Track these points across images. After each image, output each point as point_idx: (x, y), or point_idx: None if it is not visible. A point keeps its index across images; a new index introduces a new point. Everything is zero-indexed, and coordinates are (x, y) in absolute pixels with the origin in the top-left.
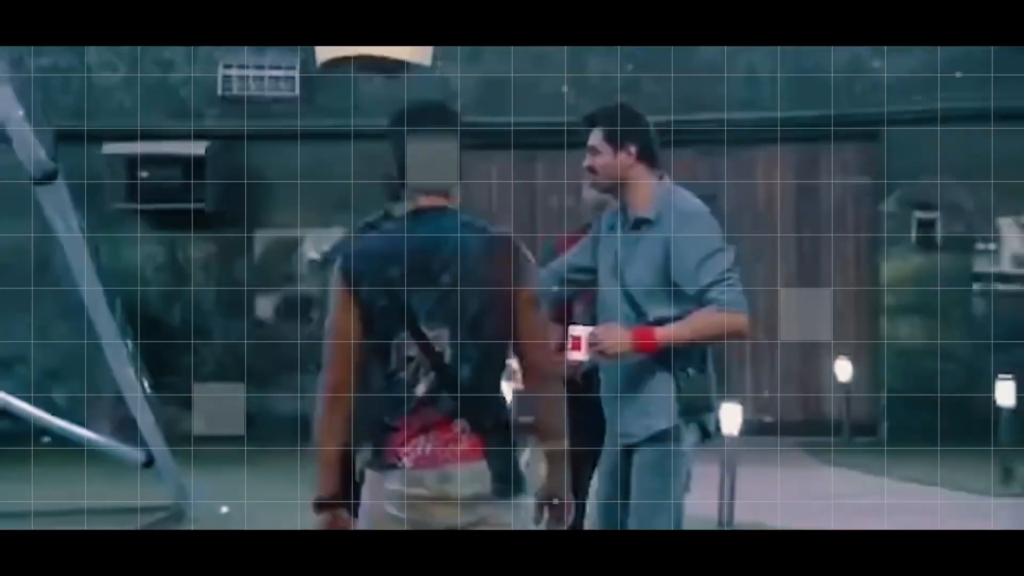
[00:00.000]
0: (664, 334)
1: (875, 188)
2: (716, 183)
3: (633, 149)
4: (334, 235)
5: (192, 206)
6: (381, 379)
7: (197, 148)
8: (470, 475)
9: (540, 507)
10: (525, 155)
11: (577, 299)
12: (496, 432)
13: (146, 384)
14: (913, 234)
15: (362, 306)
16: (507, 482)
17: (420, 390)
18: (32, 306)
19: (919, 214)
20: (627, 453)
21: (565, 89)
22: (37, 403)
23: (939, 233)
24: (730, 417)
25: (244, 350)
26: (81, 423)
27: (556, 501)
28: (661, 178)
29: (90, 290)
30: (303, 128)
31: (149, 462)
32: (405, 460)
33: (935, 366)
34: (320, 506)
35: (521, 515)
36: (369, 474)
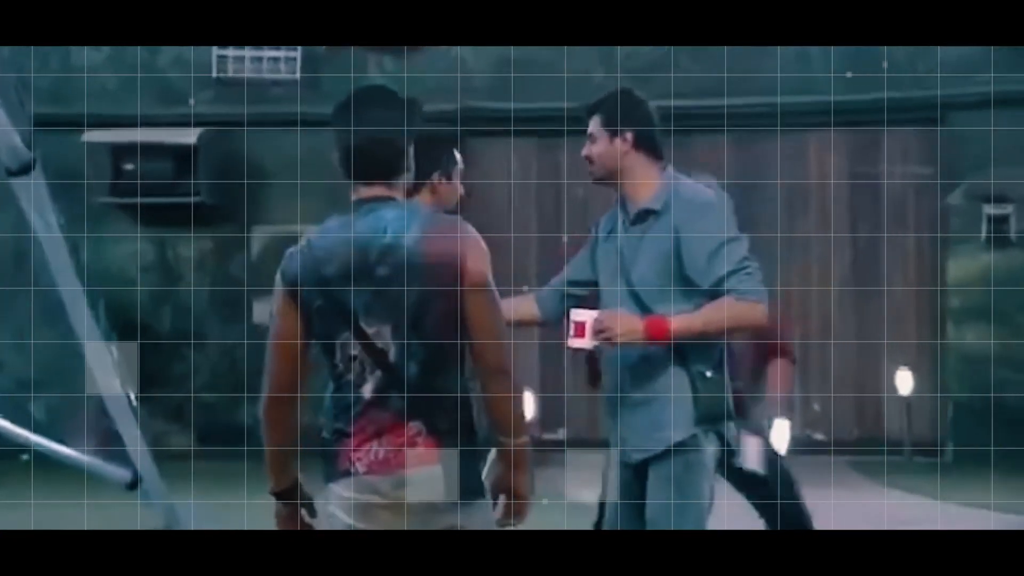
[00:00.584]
0: (680, 323)
1: (939, 179)
2: (744, 182)
3: (629, 136)
4: None
5: (183, 200)
6: (329, 383)
7: (189, 136)
8: (425, 479)
9: (495, 505)
10: (548, 142)
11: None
12: (453, 434)
13: (132, 395)
14: (983, 231)
15: (301, 307)
16: (465, 486)
17: (367, 391)
18: (9, 309)
19: (990, 209)
20: (638, 468)
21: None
22: (12, 416)
23: (1013, 231)
24: (780, 434)
25: (244, 356)
26: (61, 439)
27: (545, 502)
28: (664, 168)
29: (69, 291)
30: (306, 114)
31: (135, 482)
32: (358, 465)
33: (1008, 376)
34: (278, 500)
35: (480, 520)
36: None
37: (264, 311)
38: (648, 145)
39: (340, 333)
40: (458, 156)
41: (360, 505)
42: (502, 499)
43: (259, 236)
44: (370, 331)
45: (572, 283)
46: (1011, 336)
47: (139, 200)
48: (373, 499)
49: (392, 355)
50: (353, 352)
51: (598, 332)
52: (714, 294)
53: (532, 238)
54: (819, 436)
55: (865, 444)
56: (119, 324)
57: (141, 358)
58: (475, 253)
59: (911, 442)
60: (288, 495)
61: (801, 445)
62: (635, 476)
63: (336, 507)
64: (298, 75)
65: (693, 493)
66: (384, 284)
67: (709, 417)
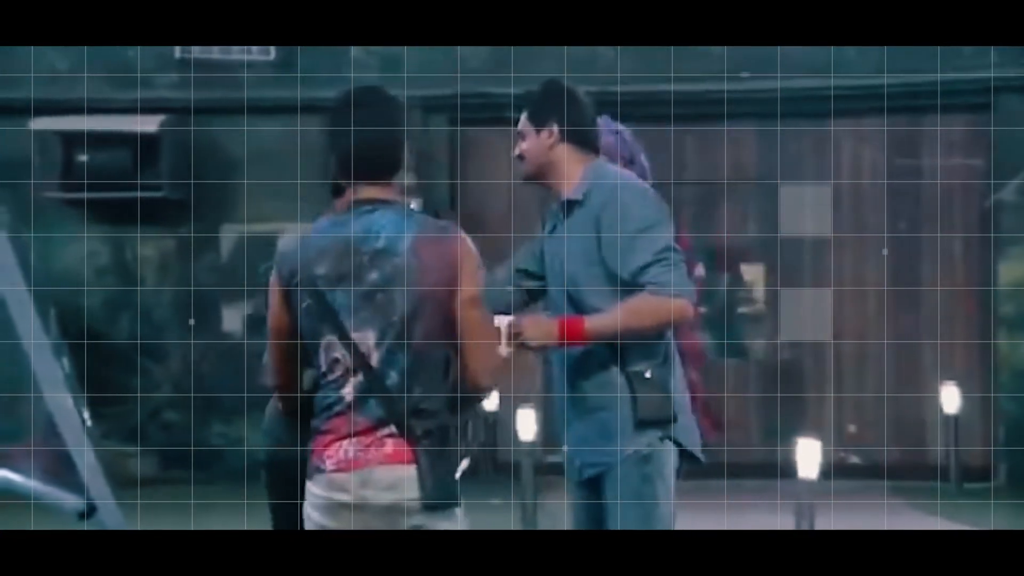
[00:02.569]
0: (595, 323)
1: (987, 172)
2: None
3: (555, 129)
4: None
5: (143, 195)
6: (314, 382)
7: (149, 124)
8: (394, 480)
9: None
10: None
11: (533, 306)
12: (428, 439)
13: (86, 415)
14: None
15: (290, 305)
16: (436, 489)
17: (347, 393)
18: None
19: None
20: (593, 484)
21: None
22: None
23: None
24: (808, 456)
25: (212, 369)
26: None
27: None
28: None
29: (14, 295)
30: (281, 99)
31: (88, 511)
32: (328, 463)
33: None
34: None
35: (448, 526)
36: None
37: (236, 316)
38: (577, 137)
39: (325, 334)
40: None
41: (327, 504)
42: (464, 463)
43: (229, 236)
44: (355, 335)
45: (521, 273)
46: None
47: (93, 195)
48: (341, 497)
49: (375, 360)
50: (336, 354)
51: (516, 335)
52: (635, 282)
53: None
54: (854, 459)
55: (907, 468)
56: (71, 333)
57: (96, 371)
58: (469, 265)
59: (958, 465)
60: (290, 401)
61: (835, 469)
62: (591, 493)
63: (310, 506)
64: (272, 55)
65: (653, 506)
66: (375, 289)
67: (651, 421)
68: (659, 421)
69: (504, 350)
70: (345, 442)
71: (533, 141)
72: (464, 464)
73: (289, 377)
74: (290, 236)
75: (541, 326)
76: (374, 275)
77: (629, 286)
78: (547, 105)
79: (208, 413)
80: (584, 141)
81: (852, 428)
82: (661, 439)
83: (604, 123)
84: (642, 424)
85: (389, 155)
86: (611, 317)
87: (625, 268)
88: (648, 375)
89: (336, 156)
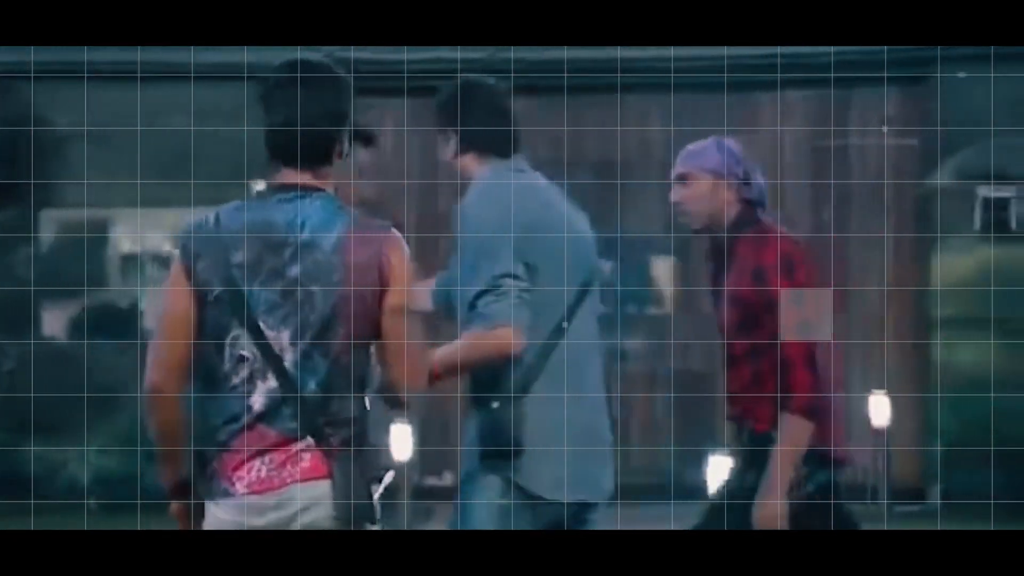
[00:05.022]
0: (440, 354)
1: (925, 153)
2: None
3: (453, 137)
4: (165, 219)
5: None
6: (214, 384)
7: None
8: (314, 497)
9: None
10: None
11: None
12: (345, 451)
13: None
14: (978, 218)
15: (196, 295)
16: (356, 505)
17: (257, 400)
18: None
19: (987, 190)
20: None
21: None
22: None
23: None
24: (717, 473)
25: (29, 380)
26: None
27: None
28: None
29: None
30: (117, 62)
31: None
32: (238, 485)
33: (1014, 407)
34: (173, 493)
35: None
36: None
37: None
38: (478, 144)
39: (233, 329)
40: None
41: (240, 528)
42: (387, 477)
43: (50, 222)
44: (269, 333)
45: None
46: (1016, 351)
47: None
48: (256, 522)
49: (288, 362)
50: (244, 352)
51: None
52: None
53: None
54: None
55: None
56: None
57: None
58: (399, 269)
59: (889, 486)
60: (181, 491)
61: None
62: None
63: (214, 527)
64: None
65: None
66: (294, 285)
67: (490, 453)
68: (495, 455)
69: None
70: (258, 460)
71: (443, 148)
72: (388, 478)
73: (178, 379)
74: (201, 218)
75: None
76: (295, 270)
77: (468, 316)
78: (455, 108)
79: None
80: (489, 146)
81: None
82: (503, 479)
83: (712, 142)
84: (482, 456)
85: (325, 138)
86: (452, 349)
87: (466, 297)
88: (495, 404)
89: (266, 133)
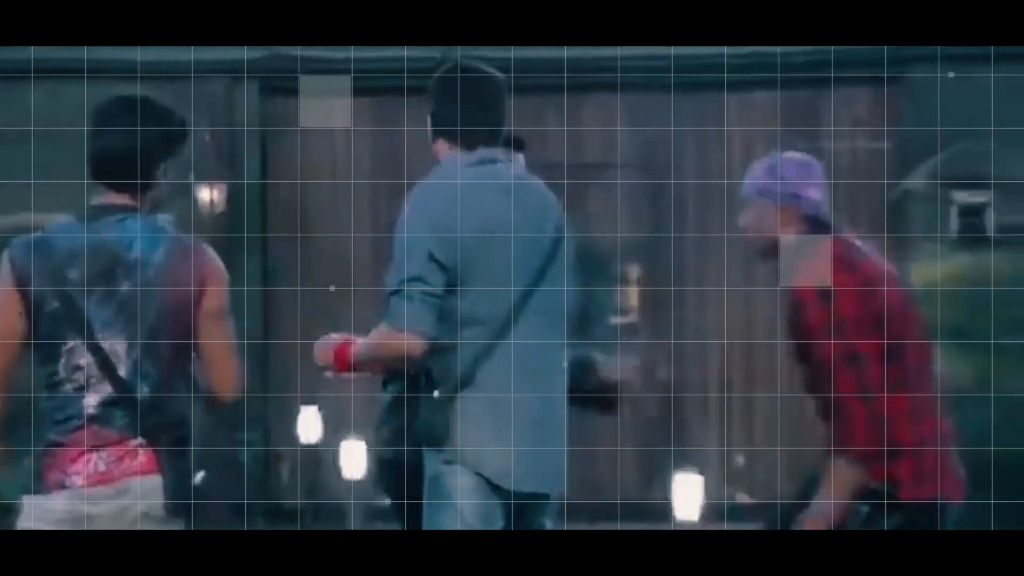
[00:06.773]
0: (356, 348)
1: (897, 156)
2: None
3: (430, 124)
4: None
5: None
6: (42, 387)
7: None
8: (146, 490)
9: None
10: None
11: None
12: (173, 447)
13: None
14: (953, 224)
15: (28, 304)
16: (183, 498)
17: (91, 402)
18: None
19: (962, 196)
20: None
21: None
22: None
23: (992, 224)
24: (688, 493)
25: None
26: None
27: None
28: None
29: None
30: None
31: None
32: (76, 479)
33: (989, 419)
34: None
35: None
36: (29, 500)
37: None
38: (450, 129)
39: (69, 340)
40: None
41: (75, 517)
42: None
43: None
44: (104, 344)
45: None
46: (993, 366)
47: None
48: (94, 511)
49: (123, 370)
50: (80, 361)
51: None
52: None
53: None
54: (744, 497)
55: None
56: None
57: None
58: (216, 283)
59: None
60: None
61: (721, 510)
62: None
63: (40, 521)
64: None
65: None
66: (126, 299)
67: (425, 441)
68: (431, 442)
69: (329, 374)
70: (95, 455)
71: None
72: (200, 474)
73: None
74: (27, 236)
75: (322, 350)
76: (126, 284)
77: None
78: (439, 102)
79: None
80: (464, 132)
81: (740, 460)
82: (446, 462)
83: (767, 159)
84: (417, 443)
85: (145, 165)
86: (365, 344)
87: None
88: (436, 394)
89: (91, 154)
